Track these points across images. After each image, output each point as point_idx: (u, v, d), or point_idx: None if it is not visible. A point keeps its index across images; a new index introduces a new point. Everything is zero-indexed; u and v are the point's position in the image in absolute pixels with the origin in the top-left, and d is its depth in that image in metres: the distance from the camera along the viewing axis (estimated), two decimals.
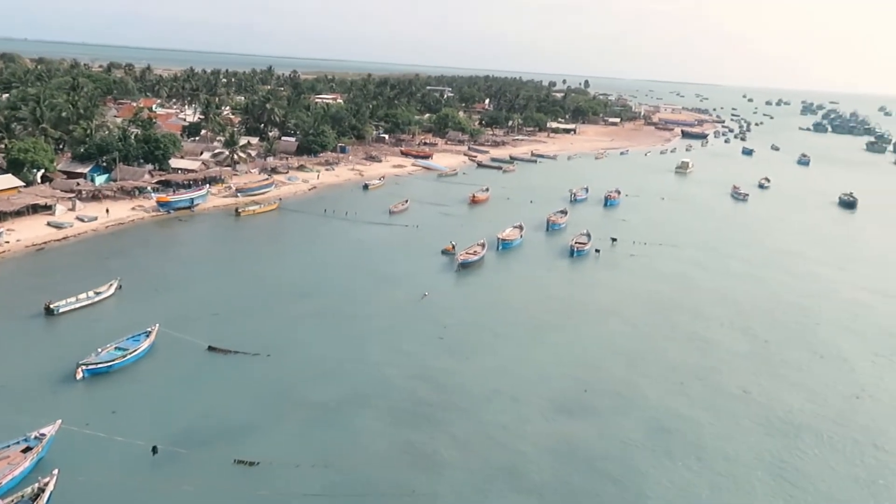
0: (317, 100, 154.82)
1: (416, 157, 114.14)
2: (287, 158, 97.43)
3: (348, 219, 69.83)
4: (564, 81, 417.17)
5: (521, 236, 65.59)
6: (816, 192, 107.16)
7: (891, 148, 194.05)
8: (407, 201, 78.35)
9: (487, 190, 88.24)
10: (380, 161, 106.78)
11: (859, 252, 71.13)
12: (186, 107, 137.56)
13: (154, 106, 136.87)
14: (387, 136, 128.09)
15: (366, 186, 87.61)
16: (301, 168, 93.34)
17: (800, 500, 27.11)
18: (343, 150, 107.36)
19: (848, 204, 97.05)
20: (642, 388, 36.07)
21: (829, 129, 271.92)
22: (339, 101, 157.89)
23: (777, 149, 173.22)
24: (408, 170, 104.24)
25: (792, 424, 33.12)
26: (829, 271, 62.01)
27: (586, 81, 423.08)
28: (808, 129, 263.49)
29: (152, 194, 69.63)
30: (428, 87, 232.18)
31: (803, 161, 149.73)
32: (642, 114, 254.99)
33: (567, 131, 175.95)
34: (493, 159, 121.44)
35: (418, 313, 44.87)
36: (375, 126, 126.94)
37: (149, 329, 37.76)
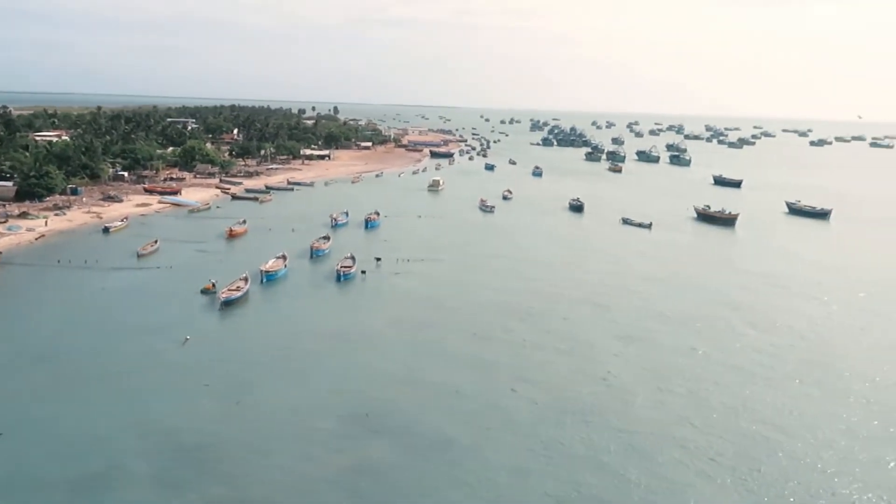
0: (37, 138, 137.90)
1: (162, 193, 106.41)
2: (5, 206, 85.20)
3: (89, 267, 62.79)
4: (314, 108, 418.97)
5: (286, 266, 64.11)
6: (551, 199, 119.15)
7: (604, 157, 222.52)
8: (157, 241, 72.55)
9: (245, 222, 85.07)
10: (121, 201, 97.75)
11: (590, 249, 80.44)
12: None
13: None
14: (126, 174, 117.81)
15: (106, 229, 79.55)
16: (24, 215, 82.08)
17: (548, 487, 29.48)
18: (75, 192, 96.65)
19: (576, 208, 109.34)
20: (417, 405, 36.96)
21: (555, 142, 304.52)
22: (65, 137, 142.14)
23: (514, 163, 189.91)
24: (154, 208, 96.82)
25: (549, 417, 36.10)
26: (569, 269, 69.15)
27: (335, 108, 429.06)
28: (538, 144, 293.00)
29: None
30: (169, 119, 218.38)
31: (537, 172, 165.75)
32: (392, 137, 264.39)
33: (321, 157, 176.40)
34: (248, 190, 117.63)
35: (180, 361, 41.61)
36: (112, 163, 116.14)
37: None
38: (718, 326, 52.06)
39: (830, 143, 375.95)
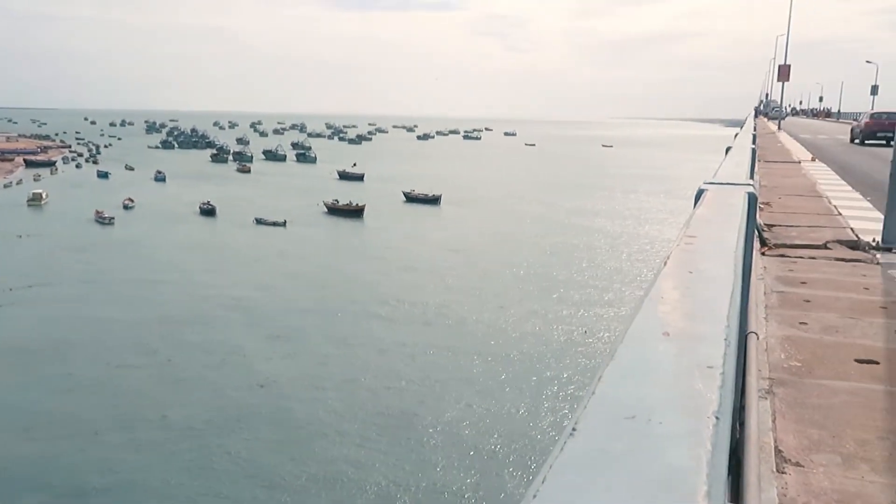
0: None
1: None
2: None
3: None
4: None
5: None
6: (179, 205, 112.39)
7: (231, 158, 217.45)
8: None
9: None
10: None
11: (227, 254, 77.94)
12: None
13: None
14: None
15: None
16: None
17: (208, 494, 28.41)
18: None
19: (208, 212, 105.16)
20: (46, 458, 31.79)
21: (176, 145, 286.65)
22: None
23: (132, 168, 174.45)
24: None
25: (205, 436, 34.36)
26: (207, 278, 66.04)
27: None
28: (158, 147, 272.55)
29: None
30: None
31: (160, 177, 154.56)
32: None
33: None
34: None
35: None
36: None
37: None
38: (362, 314, 55.00)
39: (433, 136, 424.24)
